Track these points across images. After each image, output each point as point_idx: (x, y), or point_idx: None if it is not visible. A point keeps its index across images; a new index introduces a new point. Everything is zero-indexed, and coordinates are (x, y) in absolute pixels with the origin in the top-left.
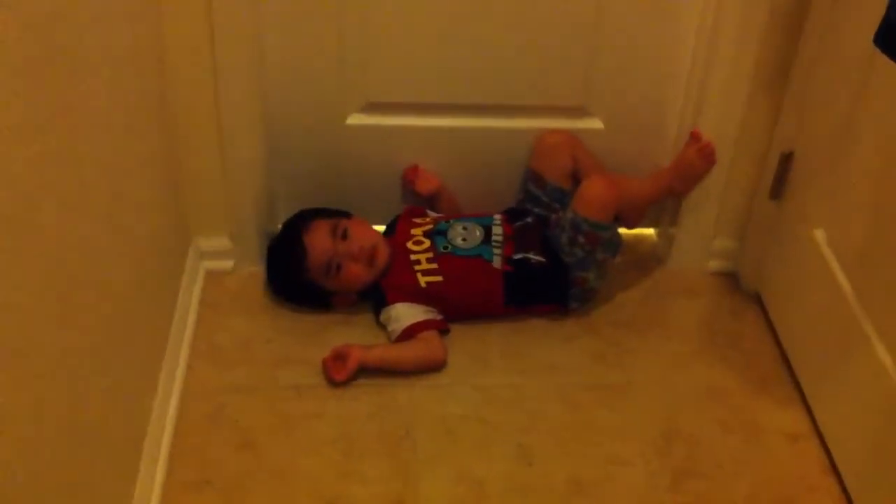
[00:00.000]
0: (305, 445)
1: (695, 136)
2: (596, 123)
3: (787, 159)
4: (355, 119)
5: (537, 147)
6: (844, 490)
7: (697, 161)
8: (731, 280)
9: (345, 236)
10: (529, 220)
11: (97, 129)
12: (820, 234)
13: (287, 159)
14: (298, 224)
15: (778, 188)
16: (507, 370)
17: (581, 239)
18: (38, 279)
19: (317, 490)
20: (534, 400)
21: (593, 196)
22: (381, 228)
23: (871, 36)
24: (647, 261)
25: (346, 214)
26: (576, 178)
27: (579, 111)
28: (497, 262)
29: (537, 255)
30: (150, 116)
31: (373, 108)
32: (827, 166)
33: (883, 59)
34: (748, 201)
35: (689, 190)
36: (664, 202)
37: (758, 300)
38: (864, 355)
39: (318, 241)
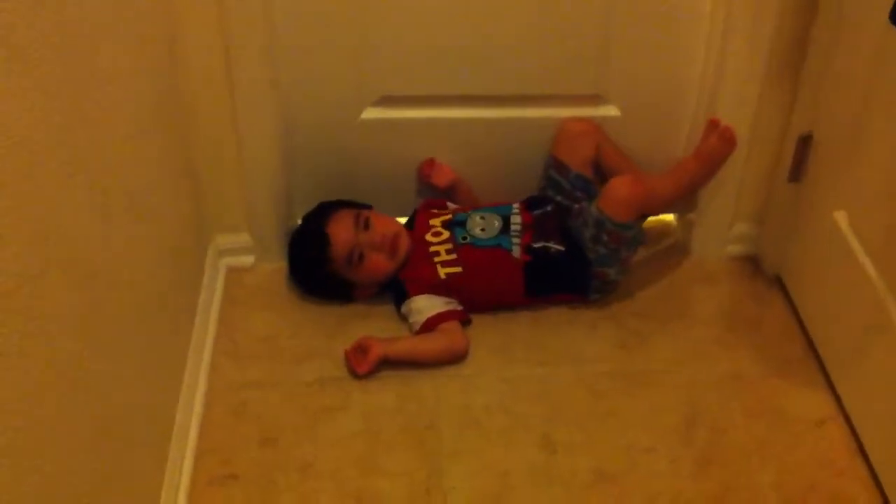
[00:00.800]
0: (330, 439)
1: (713, 123)
2: (612, 111)
3: (805, 141)
4: (370, 113)
5: (560, 135)
6: (873, 473)
7: (719, 146)
8: (751, 265)
9: (367, 226)
10: (549, 208)
11: (115, 130)
12: (841, 216)
13: (303, 155)
14: (321, 215)
15: (797, 171)
16: (529, 360)
17: (605, 237)
18: (61, 281)
19: (342, 483)
20: (557, 390)
21: (619, 197)
22: (402, 220)
23: (887, 13)
24: (666, 248)
25: (367, 206)
26: (597, 167)
27: (595, 99)
28: (516, 252)
29: (557, 245)
30: (165, 115)
31: (387, 101)
32: (847, 147)
33: None
34: (767, 185)
35: (711, 177)
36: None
37: (779, 284)
38: (890, 336)
39: (342, 231)
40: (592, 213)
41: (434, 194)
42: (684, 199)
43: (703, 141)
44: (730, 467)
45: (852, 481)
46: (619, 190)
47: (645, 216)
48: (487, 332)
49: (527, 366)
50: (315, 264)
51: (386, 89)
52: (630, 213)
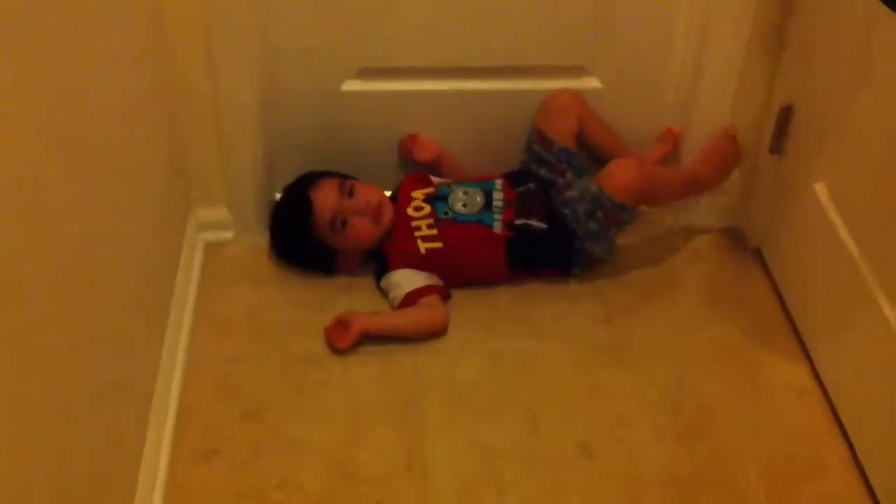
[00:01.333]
0: (312, 413)
1: (723, 132)
2: (594, 83)
3: (786, 112)
4: (350, 85)
5: (544, 108)
6: (849, 444)
7: (721, 143)
8: (734, 237)
9: (351, 194)
10: (531, 185)
11: (94, 103)
12: (822, 188)
13: (283, 128)
14: (306, 182)
15: (778, 142)
16: (512, 334)
17: (599, 214)
18: (38, 256)
19: (325, 458)
20: (540, 363)
21: (623, 177)
22: (386, 194)
23: None
24: (649, 220)
25: (351, 177)
26: (581, 140)
27: (578, 71)
28: (498, 228)
29: (539, 222)
30: (145, 87)
31: (368, 73)
32: (828, 119)
33: (884, 10)
34: (749, 156)
35: (718, 180)
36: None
37: (760, 256)
38: (868, 310)
39: (326, 196)
40: (591, 190)
41: (417, 169)
42: (688, 198)
43: (711, 142)
44: (713, 439)
45: (830, 452)
46: (622, 170)
47: (642, 203)
48: (469, 307)
49: (510, 340)
50: (298, 230)
51: (366, 61)
52: (630, 194)
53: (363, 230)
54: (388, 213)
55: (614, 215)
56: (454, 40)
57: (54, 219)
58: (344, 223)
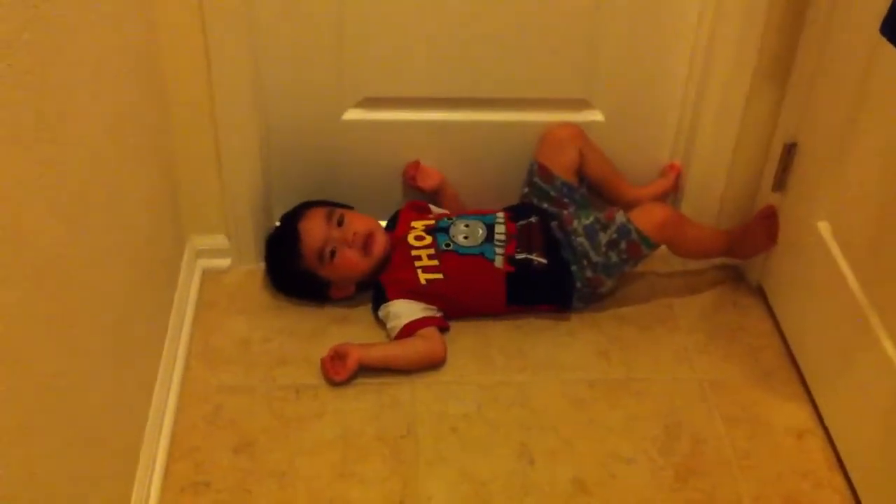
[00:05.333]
0: (304, 446)
1: (769, 210)
2: (597, 116)
3: (790, 150)
4: (352, 114)
5: (545, 140)
6: (851, 486)
7: (761, 230)
8: (734, 273)
9: (340, 223)
10: (533, 219)
11: (92, 130)
12: (824, 227)
13: (283, 156)
14: (296, 213)
15: (781, 180)
16: (508, 367)
17: (623, 245)
18: (33, 282)
19: (316, 492)
20: (536, 397)
21: (656, 213)
22: (382, 223)
23: (874, 22)
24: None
25: (347, 207)
26: (580, 174)
27: (580, 104)
28: (499, 262)
29: (540, 257)
30: (143, 114)
31: (369, 103)
32: (831, 157)
33: (889, 48)
34: (751, 193)
35: (746, 256)
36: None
37: (762, 293)
38: (871, 350)
39: (313, 226)
40: (618, 220)
41: (418, 197)
42: (717, 255)
43: (753, 218)
44: (710, 478)
45: (831, 493)
46: (656, 208)
47: (669, 244)
48: (466, 339)
49: (506, 373)
50: (287, 261)
51: (368, 90)
52: (660, 230)
53: (352, 260)
54: (380, 244)
55: (637, 249)
56: (457, 71)
57: (47, 245)
58: (332, 253)
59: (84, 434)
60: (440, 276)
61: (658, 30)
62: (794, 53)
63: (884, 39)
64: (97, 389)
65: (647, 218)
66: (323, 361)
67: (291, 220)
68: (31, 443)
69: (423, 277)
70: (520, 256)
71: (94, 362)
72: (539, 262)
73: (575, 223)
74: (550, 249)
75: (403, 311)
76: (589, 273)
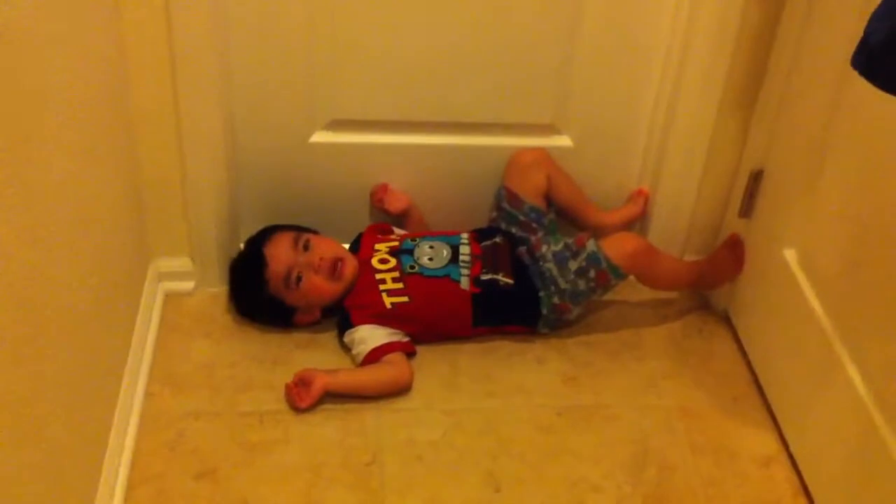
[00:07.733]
0: (268, 474)
1: (733, 239)
2: (565, 141)
3: (756, 177)
4: (319, 137)
5: (512, 165)
6: None
7: (728, 258)
8: (701, 300)
9: (307, 248)
10: (498, 239)
11: (58, 151)
12: (790, 254)
13: (250, 178)
14: (261, 237)
15: (748, 206)
16: (476, 393)
17: (592, 273)
18: None
19: None
20: (504, 424)
21: (628, 244)
22: (345, 246)
23: (843, 51)
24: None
25: (312, 231)
26: (548, 199)
27: (548, 129)
28: (465, 283)
29: (506, 277)
30: (108, 135)
31: (337, 125)
32: (797, 185)
33: (856, 78)
34: (718, 219)
35: (714, 286)
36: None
37: (728, 320)
38: (836, 377)
39: (279, 251)
40: (588, 248)
41: (385, 219)
42: (685, 287)
43: (719, 248)
44: None
45: None
46: (628, 239)
47: (637, 274)
48: (433, 364)
49: (473, 399)
50: (252, 286)
51: (336, 113)
52: (631, 260)
53: (318, 286)
54: (348, 269)
55: (606, 278)
56: (425, 95)
57: (4, 266)
58: (299, 279)
59: (42, 459)
60: (406, 298)
61: (627, 56)
62: (761, 81)
63: (852, 70)
64: (55, 413)
65: (618, 247)
66: (287, 387)
67: (257, 244)
68: None
69: (388, 301)
70: (485, 277)
71: (52, 385)
72: (505, 283)
73: (544, 248)
74: (517, 270)
75: (369, 336)
76: (556, 300)
